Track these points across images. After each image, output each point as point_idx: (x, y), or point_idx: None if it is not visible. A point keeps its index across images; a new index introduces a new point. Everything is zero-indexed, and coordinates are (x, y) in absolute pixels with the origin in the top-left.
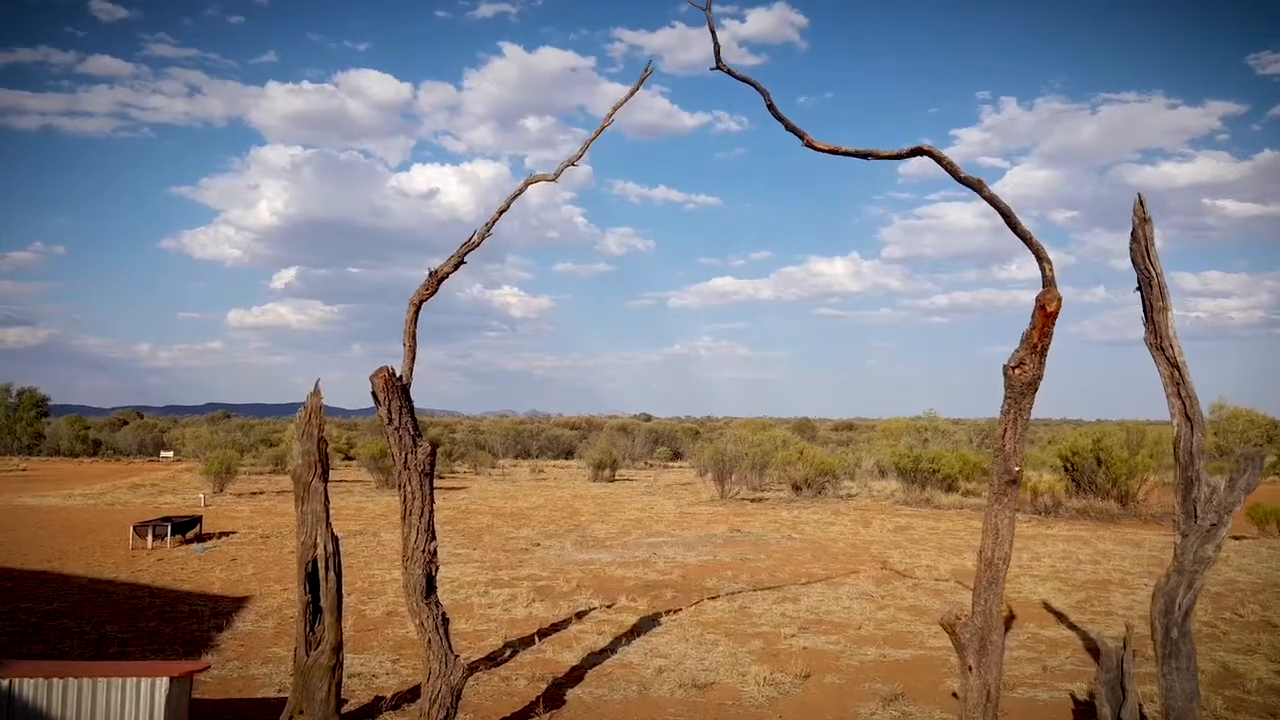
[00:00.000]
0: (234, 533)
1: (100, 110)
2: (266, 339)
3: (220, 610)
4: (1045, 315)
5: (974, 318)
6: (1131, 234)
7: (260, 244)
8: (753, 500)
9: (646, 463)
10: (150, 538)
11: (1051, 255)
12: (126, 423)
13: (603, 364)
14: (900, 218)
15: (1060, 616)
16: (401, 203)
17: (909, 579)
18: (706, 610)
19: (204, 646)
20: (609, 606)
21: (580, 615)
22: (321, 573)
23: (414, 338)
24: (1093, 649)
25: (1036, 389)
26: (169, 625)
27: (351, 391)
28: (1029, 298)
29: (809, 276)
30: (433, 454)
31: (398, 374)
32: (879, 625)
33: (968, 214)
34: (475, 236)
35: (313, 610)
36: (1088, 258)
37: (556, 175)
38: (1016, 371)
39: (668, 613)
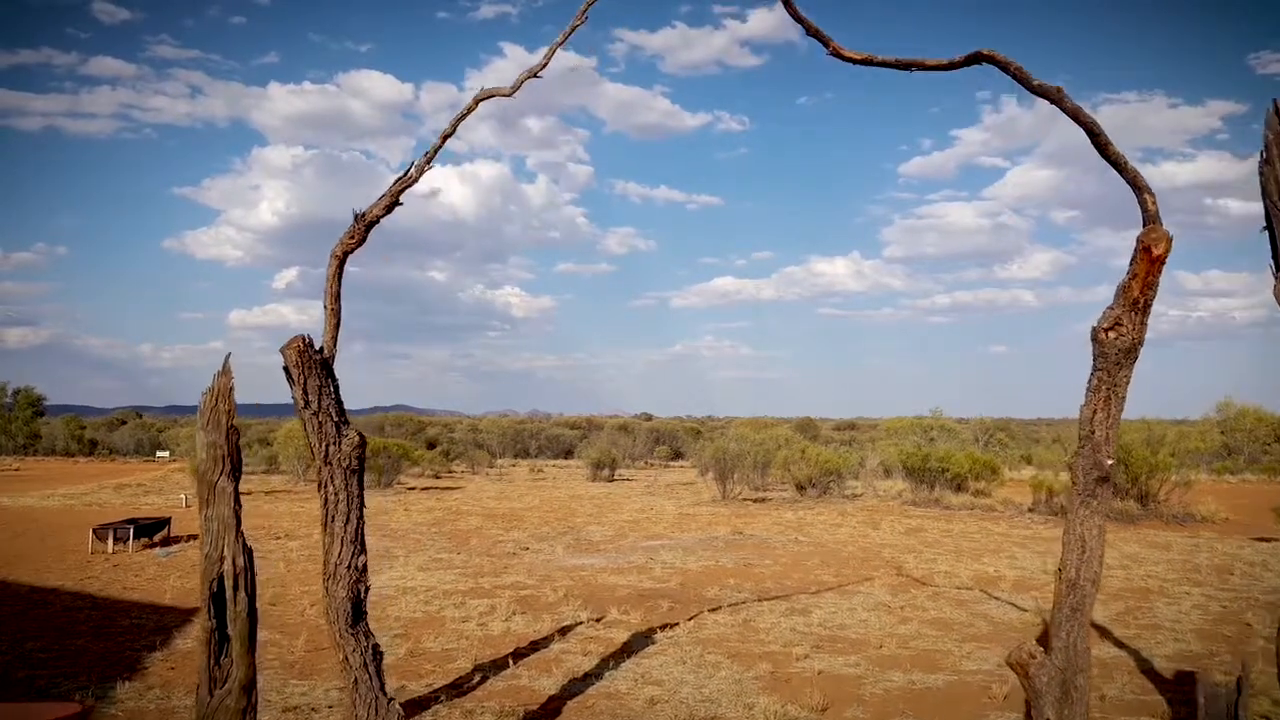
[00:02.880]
0: None
1: (103, 111)
2: (268, 339)
3: (164, 624)
4: (1150, 260)
5: (976, 317)
6: (1261, 156)
7: (262, 244)
8: (755, 500)
9: (647, 462)
10: (111, 541)
11: (1052, 255)
12: (125, 422)
13: (604, 364)
14: (901, 217)
15: (1103, 631)
16: (403, 203)
17: (928, 587)
18: (707, 624)
19: (131, 670)
20: (598, 620)
21: (564, 631)
22: (229, 593)
23: (338, 299)
24: (1149, 671)
25: (1136, 358)
26: (100, 642)
27: (353, 392)
28: (1030, 297)
29: (810, 276)
30: (361, 446)
31: (317, 345)
32: (902, 643)
33: (969, 213)
34: (413, 170)
35: (219, 639)
36: (1089, 257)
37: (514, 90)
38: (1111, 335)
39: (663, 628)
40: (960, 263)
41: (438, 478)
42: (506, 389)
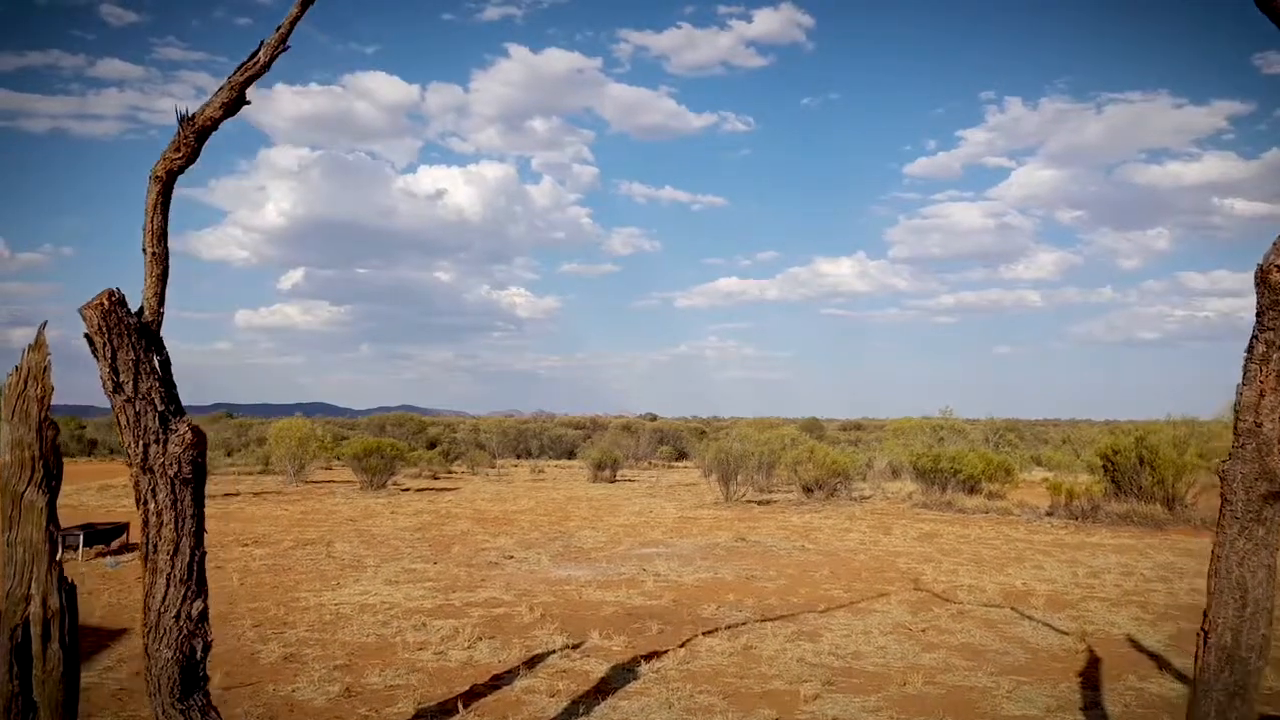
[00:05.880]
0: None
1: (109, 113)
2: (274, 339)
3: (81, 650)
4: None
5: (981, 318)
6: None
7: (267, 245)
8: (760, 503)
9: (650, 462)
10: (60, 548)
11: (1057, 255)
12: None
13: (609, 364)
14: (906, 218)
15: (1158, 660)
16: (409, 204)
17: (951, 604)
18: (701, 653)
19: None
20: (574, 648)
21: (533, 663)
22: (36, 646)
23: (162, 238)
24: None
25: None
26: None
27: (357, 392)
28: (1036, 297)
29: (815, 277)
30: (199, 445)
31: (135, 307)
32: (928, 677)
33: (974, 213)
34: (261, 53)
35: (22, 707)
36: (1094, 257)
37: None
38: None
39: (649, 657)
40: (965, 263)
41: (435, 478)
42: (511, 389)
